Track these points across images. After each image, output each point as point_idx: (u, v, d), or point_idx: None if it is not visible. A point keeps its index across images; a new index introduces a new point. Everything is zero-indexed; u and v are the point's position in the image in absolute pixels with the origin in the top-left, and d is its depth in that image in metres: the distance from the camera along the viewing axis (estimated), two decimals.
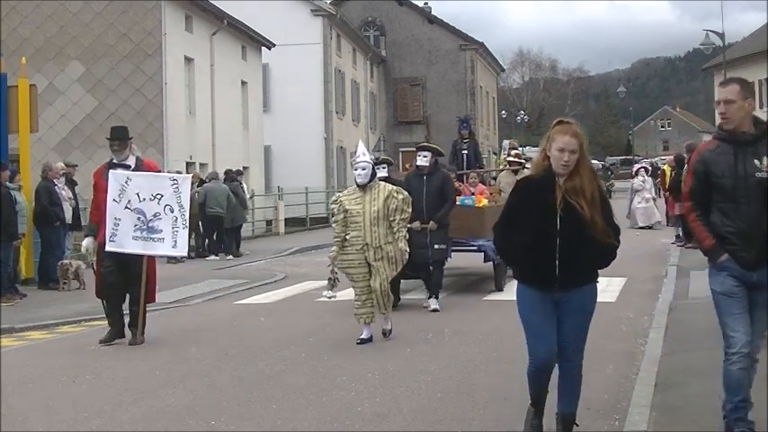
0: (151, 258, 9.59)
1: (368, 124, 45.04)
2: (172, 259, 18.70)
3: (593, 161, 69.32)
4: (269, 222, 29.33)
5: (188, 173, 21.46)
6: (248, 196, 23.70)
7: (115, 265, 9.35)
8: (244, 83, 29.74)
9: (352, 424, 6.13)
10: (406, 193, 9.26)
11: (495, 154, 52.08)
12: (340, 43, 39.66)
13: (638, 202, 25.06)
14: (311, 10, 36.99)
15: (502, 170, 16.32)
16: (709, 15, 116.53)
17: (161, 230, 9.32)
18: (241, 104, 29.58)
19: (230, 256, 19.85)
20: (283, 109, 34.40)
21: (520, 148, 31.26)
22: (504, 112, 67.24)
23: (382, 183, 9.25)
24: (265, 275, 16.26)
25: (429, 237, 11.15)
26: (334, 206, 9.22)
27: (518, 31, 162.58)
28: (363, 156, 9.11)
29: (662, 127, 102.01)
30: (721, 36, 37.75)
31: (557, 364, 5.39)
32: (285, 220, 29.28)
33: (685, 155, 17.87)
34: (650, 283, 13.46)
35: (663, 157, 53.99)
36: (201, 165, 25.33)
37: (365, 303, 9.02)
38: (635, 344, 8.73)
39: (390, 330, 9.27)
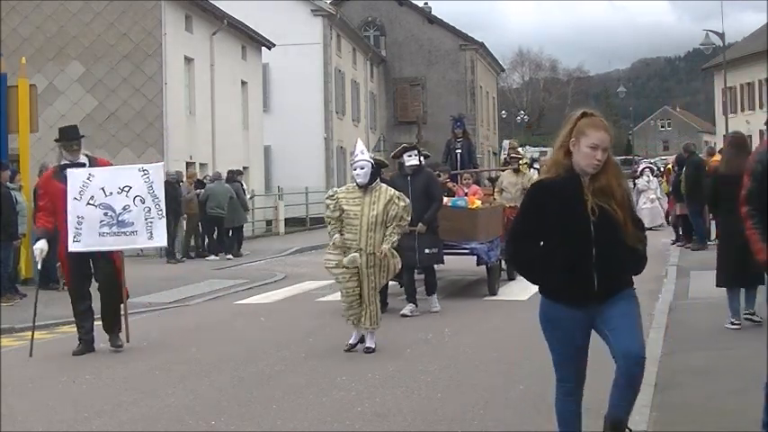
0: (118, 256, 9.23)
1: (368, 124, 45.05)
2: (172, 259, 18.75)
3: None
4: (269, 222, 29.34)
5: (188, 172, 21.52)
6: (248, 197, 23.70)
7: (82, 267, 9.04)
8: (244, 83, 29.73)
9: (352, 424, 6.14)
10: (408, 200, 8.85)
11: (495, 154, 52.12)
12: (340, 43, 39.67)
13: (644, 202, 24.43)
14: (311, 10, 37.00)
15: (501, 170, 15.99)
16: (709, 15, 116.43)
17: (132, 223, 9.01)
18: (241, 104, 29.58)
19: (230, 256, 19.86)
20: (283, 109, 34.40)
21: (520, 148, 31.43)
22: (504, 112, 67.26)
23: (384, 185, 8.80)
24: (265, 275, 16.26)
25: (417, 240, 10.72)
26: (329, 201, 8.65)
27: (518, 31, 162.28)
28: (362, 154, 8.67)
29: (662, 127, 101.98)
30: (721, 36, 37.74)
31: (616, 365, 4.88)
32: (285, 220, 29.29)
33: (685, 155, 17.88)
34: (650, 283, 13.44)
35: (663, 157, 53.96)
36: (201, 165, 25.34)
37: (352, 305, 8.57)
38: None
39: (373, 349, 8.57)
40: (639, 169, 26.48)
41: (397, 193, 8.72)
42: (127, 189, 9.04)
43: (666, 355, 7.86)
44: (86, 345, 9.06)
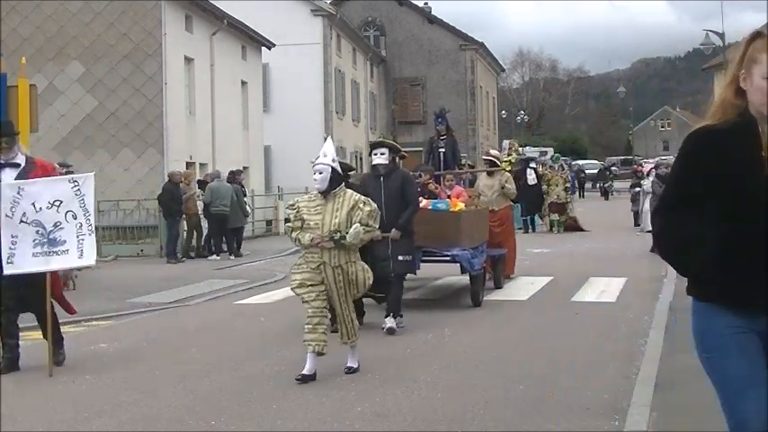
0: (53, 277, 8.34)
1: (368, 124, 45.07)
2: (172, 259, 18.75)
3: (593, 161, 69.14)
4: (269, 222, 29.34)
5: (184, 173, 21.48)
6: (247, 197, 23.69)
7: (15, 288, 8.05)
8: (244, 83, 29.74)
9: (352, 424, 6.13)
10: (375, 205, 7.80)
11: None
12: (340, 43, 39.68)
13: (650, 205, 23.96)
14: (311, 10, 37.02)
15: (476, 171, 15.23)
16: (709, 16, 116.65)
17: (65, 241, 8.10)
18: (241, 104, 29.59)
19: (231, 256, 19.86)
20: (283, 109, 34.42)
21: (520, 148, 31.28)
22: (504, 112, 67.27)
23: (348, 191, 7.79)
24: (265, 275, 16.25)
25: (391, 247, 9.61)
26: (289, 211, 7.78)
27: (518, 31, 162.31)
28: (324, 157, 7.68)
29: (662, 127, 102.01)
30: (721, 36, 37.76)
31: None
32: (285, 220, 29.27)
33: None
34: (650, 283, 13.46)
35: (663, 157, 53.92)
36: (201, 165, 25.36)
37: (316, 328, 7.42)
38: (635, 344, 8.73)
39: (355, 368, 7.68)
40: (646, 170, 25.31)
41: (362, 197, 7.74)
42: (58, 204, 8.12)
43: (666, 355, 7.86)
44: (13, 359, 8.19)
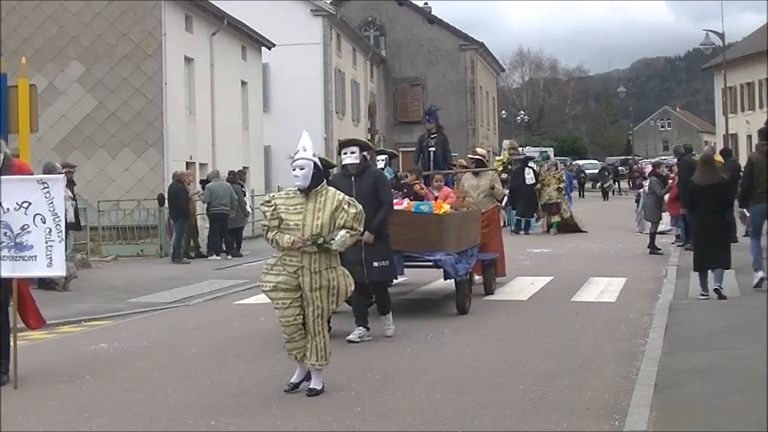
0: (21, 280, 7.92)
1: (368, 124, 45.05)
2: (178, 259, 18.73)
3: (593, 161, 69.06)
4: None
5: (185, 171, 21.47)
6: (247, 198, 23.68)
7: None
8: (244, 83, 29.74)
9: (352, 424, 6.14)
10: (360, 206, 7.17)
11: (495, 154, 52.06)
12: (340, 43, 39.68)
13: (646, 204, 23.71)
14: (311, 10, 37.02)
15: (464, 171, 14.34)
16: (707, 16, 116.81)
17: (32, 246, 7.64)
18: (241, 104, 29.58)
19: (228, 256, 19.85)
20: (283, 109, 34.41)
21: (520, 148, 31.21)
22: (504, 112, 67.28)
23: (331, 189, 7.17)
24: None
25: (364, 252, 9.06)
26: (266, 208, 7.09)
27: (518, 31, 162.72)
28: (304, 152, 7.10)
29: (662, 127, 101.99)
30: (721, 36, 37.76)
31: None
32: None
33: (676, 157, 17.96)
34: (650, 283, 13.47)
35: (663, 157, 53.92)
36: (201, 165, 25.34)
37: (293, 337, 6.98)
38: (635, 344, 8.73)
39: (318, 391, 6.95)
40: (647, 171, 24.98)
41: (347, 197, 7.15)
42: (26, 205, 7.64)
43: (666, 355, 7.87)
44: None
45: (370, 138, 11.90)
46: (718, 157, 18.34)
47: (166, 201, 19.78)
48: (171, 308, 12.53)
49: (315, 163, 7.05)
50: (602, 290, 12.90)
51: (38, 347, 9.74)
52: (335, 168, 10.36)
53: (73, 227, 15.41)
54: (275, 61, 33.41)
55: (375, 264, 9.16)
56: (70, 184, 16.48)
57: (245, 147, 29.63)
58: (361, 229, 7.24)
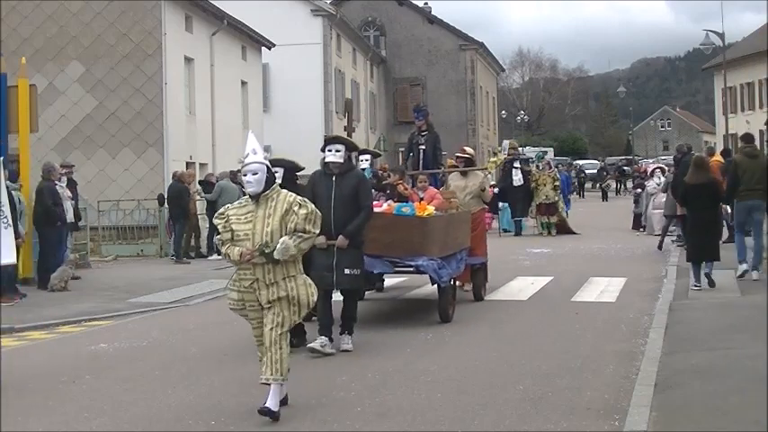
0: None
1: (368, 124, 45.07)
2: (180, 259, 18.71)
3: (593, 161, 68.91)
4: None
5: (187, 171, 21.46)
6: None
7: None
8: (244, 83, 29.75)
9: (352, 424, 6.14)
10: (312, 205, 6.53)
11: (495, 154, 52.00)
12: (340, 43, 39.68)
13: (653, 207, 22.05)
14: (311, 10, 37.04)
15: (452, 170, 13.68)
16: (707, 16, 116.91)
17: None
18: (241, 104, 29.59)
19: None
20: (283, 109, 34.42)
21: (520, 149, 31.02)
22: (504, 112, 67.27)
23: (283, 191, 6.51)
24: None
25: (336, 257, 8.52)
26: (218, 221, 6.49)
27: (518, 31, 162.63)
28: (254, 155, 6.47)
29: (662, 127, 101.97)
30: (721, 36, 37.76)
31: None
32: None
33: (678, 156, 17.93)
34: (650, 283, 13.46)
35: (663, 157, 53.88)
36: (201, 165, 25.35)
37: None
38: (635, 344, 8.73)
39: (274, 412, 6.21)
40: (649, 170, 23.96)
41: (298, 198, 6.47)
42: None
43: (666, 355, 7.87)
44: None
45: (347, 135, 11.29)
46: (719, 157, 18.39)
47: (166, 201, 19.77)
48: (171, 308, 12.52)
49: (267, 166, 6.48)
50: (602, 290, 12.89)
51: (38, 347, 9.74)
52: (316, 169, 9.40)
53: (73, 227, 15.43)
54: (275, 61, 33.42)
55: (346, 271, 8.56)
56: (72, 183, 16.49)
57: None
58: (316, 232, 6.47)
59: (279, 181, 7.24)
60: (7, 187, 13.10)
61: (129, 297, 13.38)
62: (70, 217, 15.18)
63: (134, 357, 8.76)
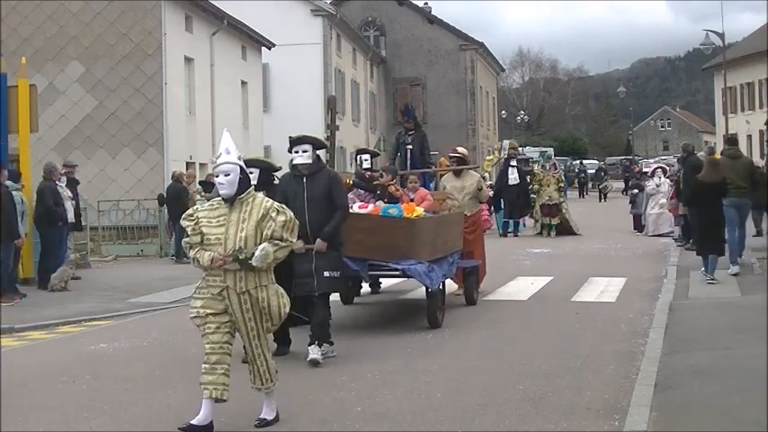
0: None
1: (368, 124, 45.06)
2: (179, 259, 18.70)
3: (593, 161, 68.90)
4: None
5: (187, 172, 21.47)
6: None
7: None
8: (244, 83, 29.75)
9: (352, 424, 6.14)
10: (291, 213, 6.18)
11: (491, 153, 52.06)
12: (340, 43, 39.68)
13: (652, 207, 22.11)
14: (311, 10, 37.03)
15: (443, 170, 13.47)
16: (707, 16, 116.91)
17: None
18: (241, 104, 29.59)
19: None
20: (283, 109, 34.41)
21: (520, 148, 30.97)
22: (504, 112, 67.26)
23: (259, 196, 6.19)
24: None
25: (315, 261, 8.19)
26: (187, 223, 6.12)
27: (518, 31, 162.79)
28: (227, 155, 6.10)
29: (662, 127, 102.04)
30: (721, 36, 37.75)
31: None
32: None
33: (684, 155, 17.90)
34: (650, 283, 13.46)
35: (663, 157, 53.89)
36: (201, 165, 25.34)
37: (215, 368, 5.96)
38: (635, 344, 8.73)
39: (270, 421, 6.18)
40: (650, 170, 23.75)
41: (275, 204, 6.15)
42: None
43: (666, 356, 7.87)
44: None
45: (330, 135, 11.03)
46: (719, 157, 18.38)
47: (165, 201, 19.77)
48: (171, 308, 12.52)
49: (241, 167, 6.11)
50: (602, 290, 12.89)
51: (38, 347, 9.74)
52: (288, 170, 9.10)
53: (74, 226, 15.44)
54: (275, 61, 33.41)
55: (326, 274, 8.23)
56: (73, 183, 16.49)
57: (245, 147, 29.60)
58: (293, 240, 6.16)
59: (254, 182, 7.14)
60: (8, 187, 13.17)
61: (129, 297, 13.38)
62: (71, 217, 15.18)
63: (134, 357, 8.76)
